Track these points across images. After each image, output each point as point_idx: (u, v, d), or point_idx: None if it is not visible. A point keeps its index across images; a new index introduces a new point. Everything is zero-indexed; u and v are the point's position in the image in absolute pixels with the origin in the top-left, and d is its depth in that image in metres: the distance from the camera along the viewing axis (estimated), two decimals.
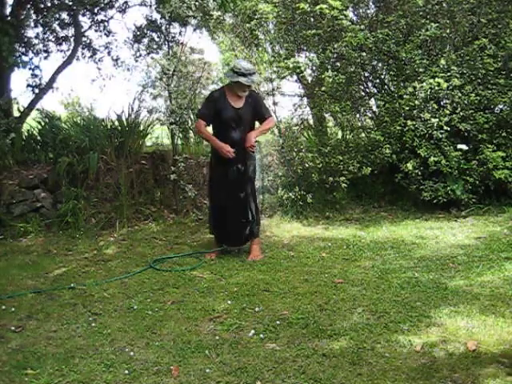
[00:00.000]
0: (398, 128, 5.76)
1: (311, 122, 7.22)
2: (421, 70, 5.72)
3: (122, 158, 5.96)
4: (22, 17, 6.82)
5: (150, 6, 6.51)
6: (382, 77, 6.62)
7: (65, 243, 5.05)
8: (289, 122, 6.53)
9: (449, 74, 5.59)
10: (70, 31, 7.45)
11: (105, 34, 7.49)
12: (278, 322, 3.04)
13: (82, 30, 7.36)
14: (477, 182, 5.53)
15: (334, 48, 6.00)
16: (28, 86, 7.22)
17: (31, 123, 6.57)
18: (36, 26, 7.24)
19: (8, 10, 6.69)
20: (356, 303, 3.29)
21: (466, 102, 5.55)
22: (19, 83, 7.74)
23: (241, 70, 4.27)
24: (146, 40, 6.60)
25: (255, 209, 4.58)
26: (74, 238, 5.19)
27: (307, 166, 6.00)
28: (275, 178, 6.34)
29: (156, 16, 6.29)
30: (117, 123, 6.36)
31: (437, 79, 5.49)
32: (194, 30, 6.16)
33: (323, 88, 6.15)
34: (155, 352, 2.74)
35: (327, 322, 3.02)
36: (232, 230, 4.53)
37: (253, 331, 2.94)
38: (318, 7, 5.77)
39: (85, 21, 7.36)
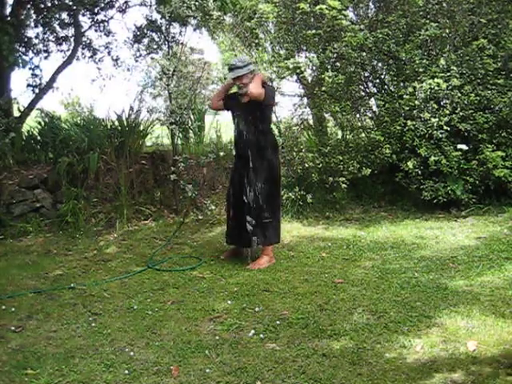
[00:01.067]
0: (398, 128, 5.76)
1: (311, 122, 7.22)
2: (421, 70, 5.72)
3: (122, 158, 5.96)
4: (22, 17, 6.81)
5: (150, 5, 6.51)
6: (382, 77, 6.62)
7: (65, 243, 5.04)
8: (289, 122, 6.53)
9: (448, 74, 5.59)
10: (70, 31, 7.45)
11: (105, 34, 7.50)
12: (278, 322, 3.05)
13: (82, 30, 7.36)
14: (477, 182, 5.53)
15: (334, 48, 5.99)
16: (28, 85, 7.23)
17: (31, 123, 6.57)
18: (36, 26, 7.24)
19: (8, 10, 6.70)
20: (356, 303, 3.29)
21: (465, 102, 5.55)
22: (19, 83, 7.77)
23: (229, 67, 4.29)
24: (146, 40, 6.60)
25: (269, 211, 4.23)
26: (74, 237, 5.19)
27: (307, 166, 6.00)
28: None
29: (156, 16, 6.29)
30: (117, 123, 6.36)
31: (436, 79, 5.49)
32: (194, 30, 6.15)
33: (323, 88, 6.15)
34: (155, 352, 2.75)
35: (327, 321, 3.03)
36: (236, 227, 4.34)
37: (253, 331, 2.94)
38: (317, 7, 5.78)
39: (85, 21, 7.38)
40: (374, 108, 6.78)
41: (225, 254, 4.54)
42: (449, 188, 5.52)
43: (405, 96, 5.76)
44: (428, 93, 5.55)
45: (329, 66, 6.31)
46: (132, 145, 6.22)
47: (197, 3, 5.63)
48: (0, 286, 3.86)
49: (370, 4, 6.99)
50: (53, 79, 7.18)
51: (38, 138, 6.25)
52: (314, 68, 6.59)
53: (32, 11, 6.99)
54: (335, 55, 6.20)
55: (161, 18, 6.09)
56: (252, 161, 4.21)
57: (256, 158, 4.22)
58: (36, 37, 7.32)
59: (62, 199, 5.55)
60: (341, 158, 5.93)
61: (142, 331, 3.02)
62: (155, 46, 6.37)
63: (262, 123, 4.25)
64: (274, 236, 4.35)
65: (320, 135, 6.68)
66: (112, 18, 7.41)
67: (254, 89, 4.09)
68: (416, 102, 5.63)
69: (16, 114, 6.76)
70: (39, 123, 6.36)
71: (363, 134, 6.63)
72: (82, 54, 7.57)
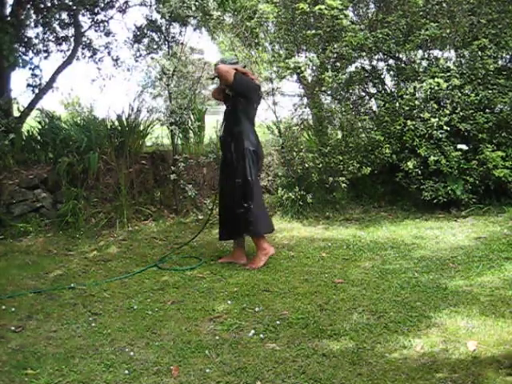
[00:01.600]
0: (398, 128, 5.76)
1: (311, 121, 7.21)
2: (421, 70, 5.72)
3: (122, 158, 5.95)
4: (22, 17, 6.81)
5: (150, 5, 6.51)
6: (382, 77, 6.63)
7: (65, 243, 5.04)
8: (289, 122, 6.52)
9: (448, 74, 5.59)
10: (70, 31, 7.44)
11: (105, 34, 7.49)
12: (278, 322, 3.05)
13: (82, 30, 7.35)
14: (477, 182, 5.53)
15: (334, 48, 5.99)
16: (28, 85, 7.22)
17: (31, 123, 6.56)
18: (36, 26, 7.23)
19: (8, 10, 6.69)
20: (356, 303, 3.29)
21: (465, 102, 5.55)
22: (19, 83, 7.74)
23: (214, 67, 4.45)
24: (146, 40, 6.59)
25: (249, 202, 4.18)
26: (74, 237, 5.19)
27: (307, 166, 6.00)
28: (275, 178, 6.33)
29: (156, 16, 6.28)
30: (117, 123, 6.35)
31: (436, 79, 5.49)
32: (194, 29, 6.15)
33: (323, 88, 6.15)
34: (155, 352, 2.75)
35: (327, 321, 3.03)
36: (224, 220, 4.39)
37: (253, 331, 2.94)
38: (316, 7, 5.78)
39: (85, 21, 7.36)
40: (374, 108, 6.78)
41: (222, 259, 4.49)
42: (449, 188, 5.52)
43: (405, 96, 5.76)
44: (428, 93, 5.55)
45: (329, 66, 6.30)
46: (132, 145, 6.22)
47: (197, 3, 5.62)
48: (0, 286, 3.86)
49: (370, 4, 6.99)
50: (53, 79, 7.17)
51: (38, 137, 6.24)
52: (314, 68, 6.58)
53: (32, 11, 6.98)
54: (335, 55, 6.20)
55: (161, 18, 6.09)
56: (230, 153, 4.27)
57: (233, 151, 4.25)
58: (36, 37, 7.31)
59: (62, 199, 5.54)
60: (341, 158, 5.93)
61: (141, 331, 3.02)
62: (155, 46, 6.36)
63: (239, 119, 4.29)
64: (255, 227, 4.24)
65: (320, 135, 6.67)
66: (112, 17, 7.40)
67: (222, 66, 4.21)
68: (416, 102, 5.63)
69: (16, 114, 6.75)
70: (39, 123, 6.35)
71: (363, 134, 6.62)
72: (82, 53, 7.56)
